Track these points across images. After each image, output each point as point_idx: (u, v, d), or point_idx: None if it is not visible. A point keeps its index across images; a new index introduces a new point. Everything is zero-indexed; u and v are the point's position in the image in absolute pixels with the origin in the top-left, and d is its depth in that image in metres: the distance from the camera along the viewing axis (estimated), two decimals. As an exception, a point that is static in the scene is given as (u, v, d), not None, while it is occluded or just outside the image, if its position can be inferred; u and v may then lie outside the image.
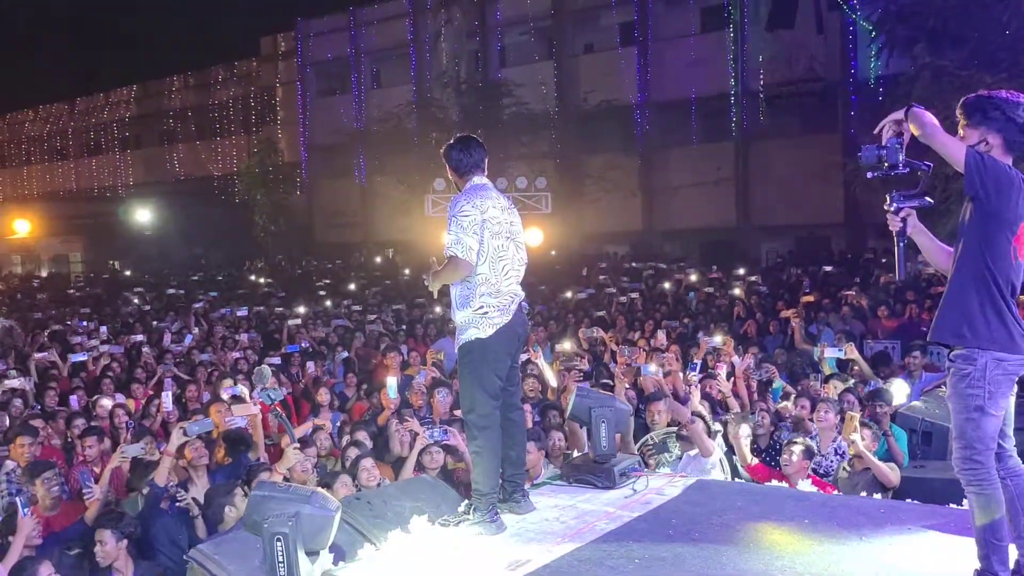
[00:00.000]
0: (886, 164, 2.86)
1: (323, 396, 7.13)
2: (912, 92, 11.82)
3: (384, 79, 28.47)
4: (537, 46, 24.79)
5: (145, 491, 4.59)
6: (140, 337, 10.17)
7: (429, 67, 25.82)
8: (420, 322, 11.76)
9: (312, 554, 3.08)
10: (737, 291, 12.34)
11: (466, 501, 3.77)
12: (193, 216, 27.64)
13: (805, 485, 4.53)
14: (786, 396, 6.39)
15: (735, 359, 6.94)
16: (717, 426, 5.31)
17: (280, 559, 2.96)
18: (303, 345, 9.71)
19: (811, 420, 5.42)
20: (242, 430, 5.41)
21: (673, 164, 22.52)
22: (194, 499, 4.56)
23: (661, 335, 8.50)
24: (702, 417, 5.18)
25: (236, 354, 9.17)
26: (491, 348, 3.64)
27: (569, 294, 13.83)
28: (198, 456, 4.89)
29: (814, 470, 4.84)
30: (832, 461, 5.05)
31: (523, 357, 7.15)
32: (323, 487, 3.83)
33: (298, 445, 4.46)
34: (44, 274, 27.47)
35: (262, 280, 19.74)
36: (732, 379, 6.35)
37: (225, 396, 6.39)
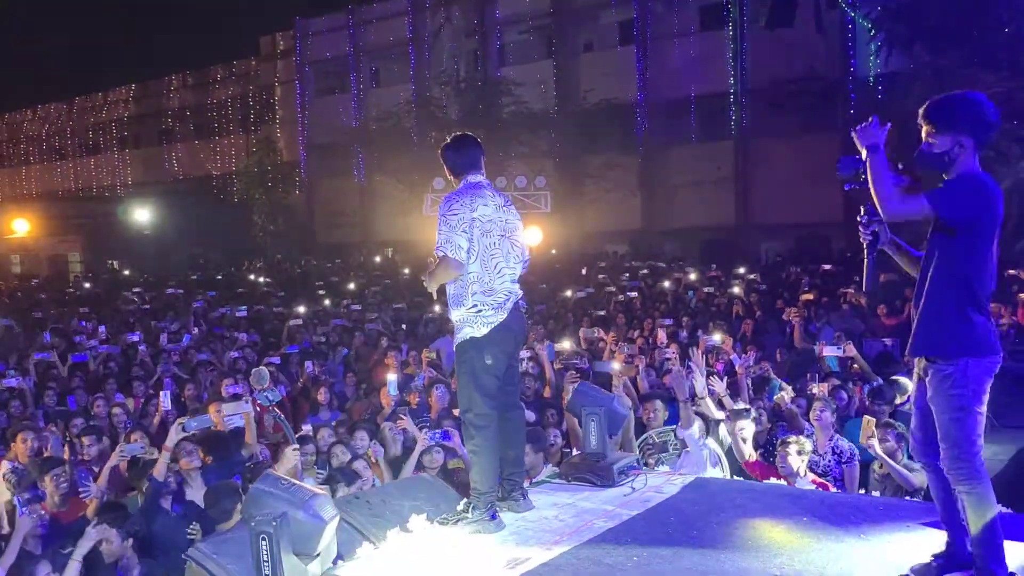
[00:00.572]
0: (863, 177, 2.88)
1: (322, 395, 7.14)
2: (911, 90, 11.84)
3: (383, 78, 28.47)
4: (536, 45, 24.79)
5: (145, 487, 4.59)
6: (135, 337, 10.17)
7: (428, 66, 25.81)
8: (420, 321, 11.76)
9: (304, 556, 3.06)
10: (736, 290, 12.34)
11: (465, 500, 3.77)
12: (192, 216, 27.62)
13: (804, 483, 4.54)
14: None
15: (734, 357, 6.94)
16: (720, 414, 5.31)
17: (264, 558, 2.96)
18: (303, 345, 9.71)
19: (807, 419, 5.41)
20: (237, 429, 5.40)
21: (673, 163, 22.53)
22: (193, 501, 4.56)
23: (661, 333, 8.50)
24: (703, 416, 5.18)
25: (235, 354, 9.18)
26: (486, 347, 3.64)
27: (569, 293, 13.82)
28: (190, 460, 4.88)
29: (812, 469, 4.84)
30: (830, 460, 5.04)
31: (525, 355, 7.17)
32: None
33: (297, 447, 4.45)
34: (43, 274, 27.45)
35: (261, 280, 19.72)
36: (731, 377, 6.35)
37: (227, 395, 6.40)
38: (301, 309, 12.87)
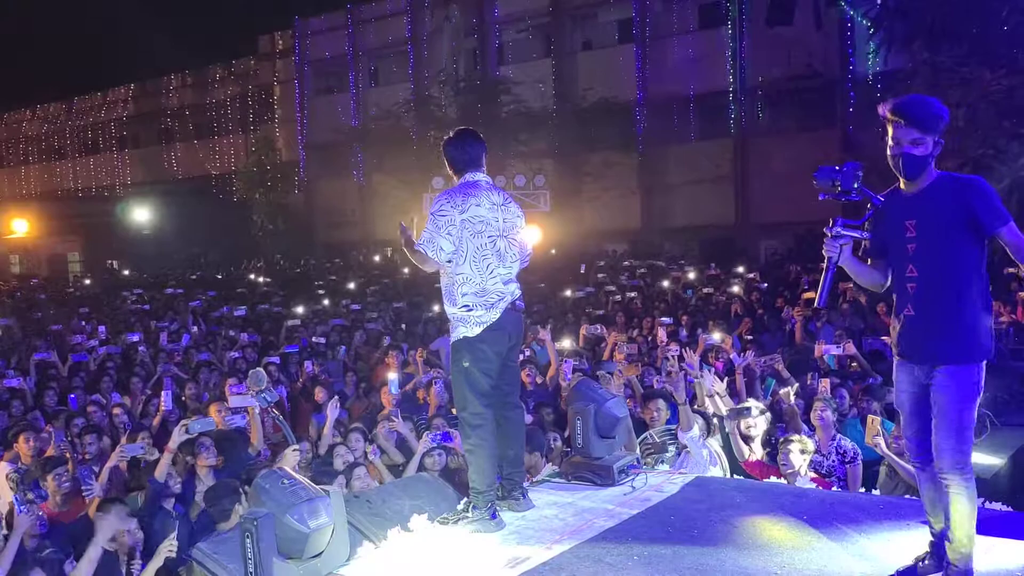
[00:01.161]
0: (839, 188, 2.86)
1: (320, 394, 7.12)
2: (911, 88, 11.83)
3: (382, 77, 28.44)
4: (535, 43, 24.77)
5: (145, 488, 4.59)
6: (135, 337, 10.16)
7: (427, 65, 25.79)
8: (420, 321, 11.77)
9: (295, 559, 3.06)
10: (736, 288, 12.35)
11: (465, 499, 3.78)
12: (191, 215, 27.60)
13: (804, 482, 4.54)
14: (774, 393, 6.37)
15: (734, 356, 6.94)
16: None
17: (249, 555, 2.97)
18: (302, 344, 9.71)
19: (804, 419, 5.41)
20: (240, 429, 5.40)
21: (672, 161, 22.51)
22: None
23: (661, 332, 8.50)
24: (704, 415, 5.18)
25: (235, 354, 9.17)
26: (478, 347, 3.64)
27: (568, 292, 13.83)
28: (207, 458, 4.90)
29: (815, 469, 4.84)
30: (833, 460, 5.04)
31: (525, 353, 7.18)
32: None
33: (297, 447, 4.45)
34: (42, 274, 27.43)
35: (261, 279, 19.73)
36: (730, 376, 6.35)
37: (230, 395, 6.38)
38: (299, 309, 12.88)
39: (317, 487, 3.29)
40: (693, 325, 9.80)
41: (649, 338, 9.15)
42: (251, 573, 2.97)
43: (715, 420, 5.36)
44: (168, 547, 3.79)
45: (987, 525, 3.25)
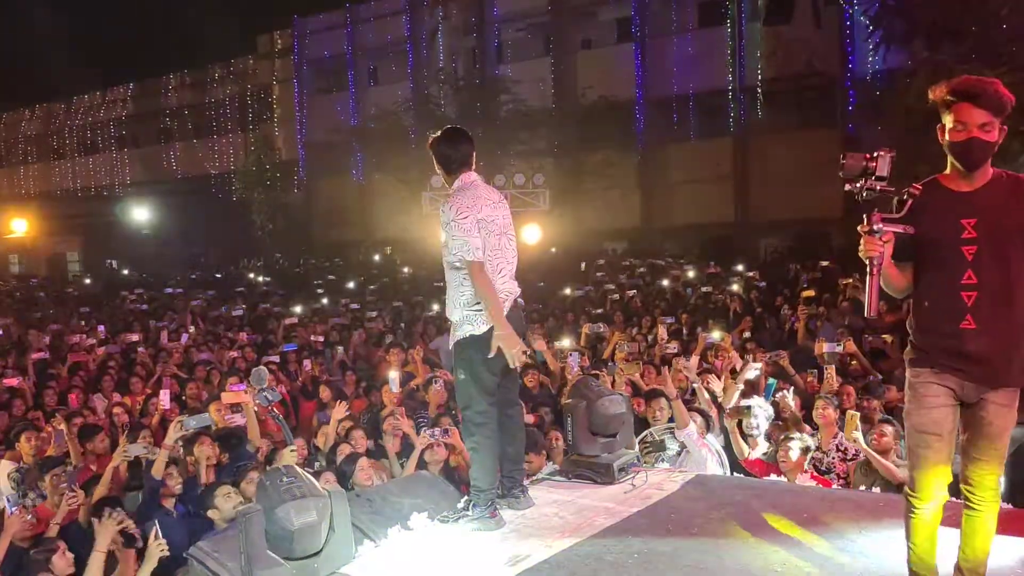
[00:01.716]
0: (872, 176, 2.50)
1: (325, 393, 7.12)
2: (910, 87, 11.82)
3: (381, 76, 28.42)
4: (535, 42, 24.75)
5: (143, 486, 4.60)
6: (136, 337, 10.16)
7: (426, 64, 25.78)
8: (420, 320, 11.76)
9: (284, 556, 3.05)
10: (735, 287, 12.35)
11: (465, 497, 3.77)
12: (191, 215, 27.61)
13: (804, 480, 4.54)
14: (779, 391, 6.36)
15: (733, 355, 6.94)
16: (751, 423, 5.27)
17: (241, 549, 2.98)
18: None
19: (805, 416, 5.41)
20: (239, 427, 5.41)
21: (671, 160, 22.51)
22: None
23: (662, 330, 8.50)
24: (703, 413, 5.18)
25: (234, 353, 9.18)
26: (486, 344, 3.64)
27: (568, 291, 13.83)
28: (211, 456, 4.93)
29: (815, 467, 4.84)
30: (834, 458, 5.04)
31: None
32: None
33: (295, 448, 4.44)
34: (42, 273, 27.42)
35: (260, 279, 19.73)
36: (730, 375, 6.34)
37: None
38: (297, 309, 12.89)
39: (320, 487, 3.28)
40: (693, 324, 9.80)
41: (649, 337, 9.14)
42: (243, 568, 2.98)
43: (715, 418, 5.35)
44: (158, 548, 3.77)
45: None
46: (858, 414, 4.73)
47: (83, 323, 12.52)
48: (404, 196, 21.99)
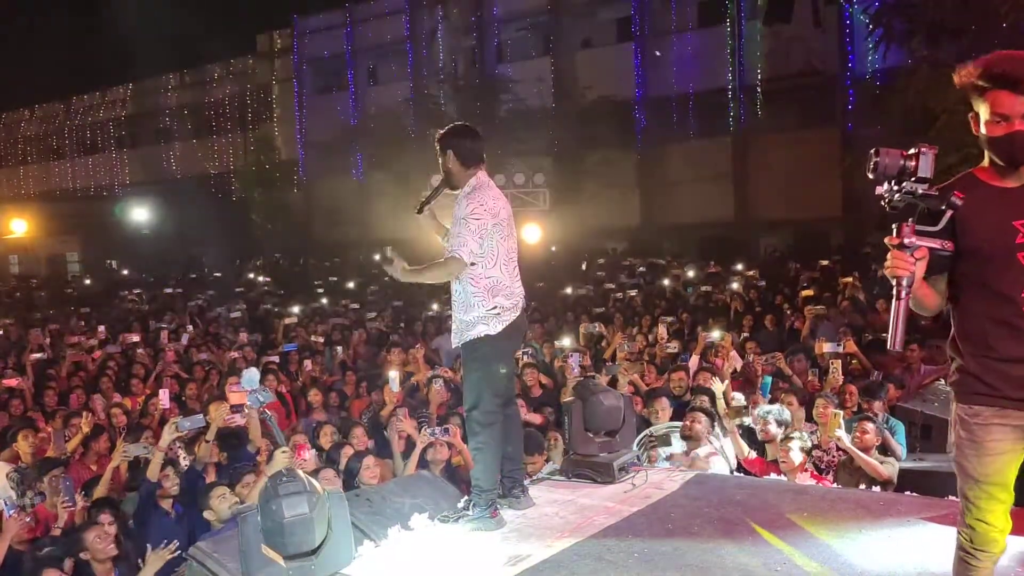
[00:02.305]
0: (912, 177, 2.07)
1: (316, 396, 7.10)
2: (910, 85, 11.82)
3: (381, 76, 28.41)
4: (534, 42, 24.74)
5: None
6: (136, 338, 10.16)
7: (426, 64, 25.76)
8: (419, 319, 11.76)
9: (279, 553, 3.06)
10: (735, 286, 12.35)
11: (466, 497, 3.77)
12: (190, 215, 27.57)
13: (804, 479, 4.54)
14: (776, 391, 6.36)
15: (733, 354, 6.94)
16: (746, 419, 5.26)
17: (242, 547, 3.01)
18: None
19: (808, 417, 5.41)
20: (239, 427, 5.40)
21: (671, 159, 22.50)
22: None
23: (662, 329, 8.50)
24: (708, 412, 5.17)
25: (234, 353, 9.17)
26: (500, 345, 3.63)
27: (569, 290, 13.83)
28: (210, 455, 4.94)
29: (815, 465, 4.84)
30: (834, 456, 5.04)
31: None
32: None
33: (287, 449, 4.43)
34: (41, 273, 27.42)
35: (260, 279, 19.74)
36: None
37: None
38: (295, 309, 12.89)
39: (317, 485, 3.28)
40: (693, 323, 9.80)
41: (649, 336, 9.14)
42: (242, 568, 3.01)
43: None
44: (165, 555, 3.80)
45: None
46: (841, 412, 4.73)
47: (83, 323, 12.52)
48: (404, 195, 21.98)
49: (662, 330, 8.46)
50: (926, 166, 2.08)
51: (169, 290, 16.76)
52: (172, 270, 23.68)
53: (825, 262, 14.54)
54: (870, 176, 2.11)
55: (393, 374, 6.54)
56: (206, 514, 4.30)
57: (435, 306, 12.28)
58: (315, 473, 4.24)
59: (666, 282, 14.10)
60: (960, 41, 12.18)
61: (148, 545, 3.94)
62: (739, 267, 15.14)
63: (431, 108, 23.60)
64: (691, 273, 14.74)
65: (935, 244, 2.11)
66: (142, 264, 25.44)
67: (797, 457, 4.62)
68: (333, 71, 29.06)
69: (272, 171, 28.19)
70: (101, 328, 11.20)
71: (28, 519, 4.13)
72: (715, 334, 7.83)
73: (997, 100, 2.08)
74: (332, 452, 5.27)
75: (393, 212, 23.46)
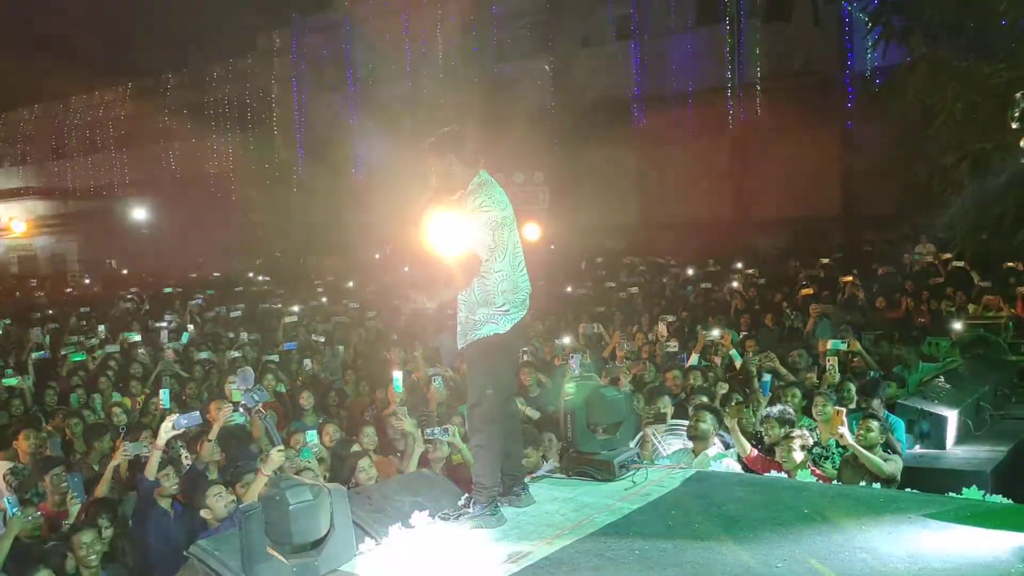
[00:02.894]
0: None
1: (305, 400, 7.05)
2: (909, 84, 11.81)
3: (381, 75, 28.38)
4: (534, 40, 24.73)
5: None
6: (136, 338, 10.16)
7: (425, 62, 25.75)
8: (419, 318, 11.75)
9: (279, 547, 3.07)
10: (735, 284, 12.35)
11: (466, 495, 3.78)
12: (190, 214, 27.59)
13: (804, 476, 4.55)
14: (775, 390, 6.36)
15: (733, 353, 6.94)
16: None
17: (244, 545, 3.03)
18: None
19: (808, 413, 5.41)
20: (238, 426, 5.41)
21: (670, 158, 22.49)
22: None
23: (662, 327, 8.50)
24: (714, 410, 5.18)
25: (235, 353, 9.17)
26: (507, 343, 3.63)
27: (569, 288, 13.83)
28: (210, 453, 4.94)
29: (815, 462, 4.84)
30: (834, 453, 5.05)
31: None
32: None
33: (282, 448, 4.44)
34: (41, 273, 27.41)
35: (260, 278, 19.73)
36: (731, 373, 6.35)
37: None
38: (295, 308, 12.88)
39: (320, 484, 3.28)
40: (693, 321, 9.79)
41: (649, 335, 9.14)
42: (244, 565, 3.01)
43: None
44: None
45: (987, 518, 3.26)
46: (844, 409, 4.75)
47: (83, 323, 12.51)
48: (404, 195, 21.95)
49: (662, 328, 8.46)
50: None
51: (169, 290, 16.74)
52: (171, 269, 23.67)
53: (826, 260, 14.55)
54: (1013, 126, 1.80)
55: (396, 374, 6.53)
56: (203, 512, 4.29)
57: (434, 305, 12.25)
58: (299, 473, 4.30)
59: (665, 280, 14.10)
60: (959, 39, 12.19)
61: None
62: (739, 265, 15.13)
63: (431, 107, 23.59)
64: (691, 271, 14.73)
65: None
66: (142, 264, 25.45)
67: (798, 455, 4.63)
68: (333, 70, 29.05)
69: (272, 170, 28.18)
70: (101, 328, 11.20)
71: (38, 513, 4.14)
72: (715, 332, 7.83)
73: None
74: (339, 448, 5.28)
75: (393, 212, 23.49)
